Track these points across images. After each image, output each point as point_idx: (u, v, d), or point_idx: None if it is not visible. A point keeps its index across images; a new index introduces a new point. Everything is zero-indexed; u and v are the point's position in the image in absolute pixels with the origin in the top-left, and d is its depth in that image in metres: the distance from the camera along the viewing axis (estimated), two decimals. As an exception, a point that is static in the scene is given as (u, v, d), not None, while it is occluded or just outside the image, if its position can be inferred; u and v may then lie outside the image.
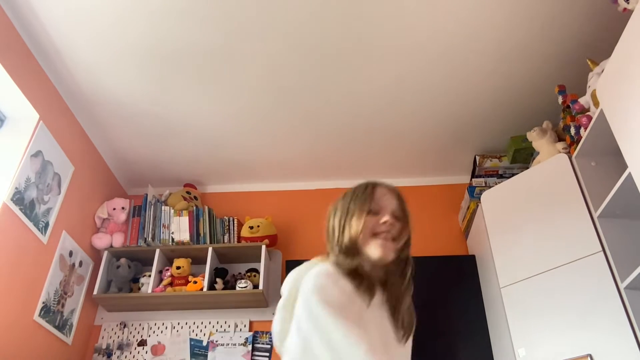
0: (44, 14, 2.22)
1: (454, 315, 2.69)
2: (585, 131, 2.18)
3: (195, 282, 2.72)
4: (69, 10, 2.20)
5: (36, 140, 2.37)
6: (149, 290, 2.72)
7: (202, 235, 2.92)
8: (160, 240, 2.88)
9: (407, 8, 2.20)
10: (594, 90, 2.07)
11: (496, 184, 2.80)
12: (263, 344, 2.76)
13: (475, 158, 3.00)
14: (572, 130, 2.34)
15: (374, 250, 1.25)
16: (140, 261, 2.91)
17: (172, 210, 2.96)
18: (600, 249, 2.04)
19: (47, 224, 2.44)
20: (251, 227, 2.91)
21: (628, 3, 1.89)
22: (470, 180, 3.00)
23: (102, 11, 2.20)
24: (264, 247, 2.84)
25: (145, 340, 2.79)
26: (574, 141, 2.34)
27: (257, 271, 2.89)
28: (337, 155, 3.13)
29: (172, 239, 2.87)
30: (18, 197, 2.24)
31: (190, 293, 2.69)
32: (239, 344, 2.75)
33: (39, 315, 2.36)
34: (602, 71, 2.01)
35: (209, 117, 2.80)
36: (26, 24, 2.26)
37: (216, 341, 2.76)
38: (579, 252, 2.11)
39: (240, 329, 2.79)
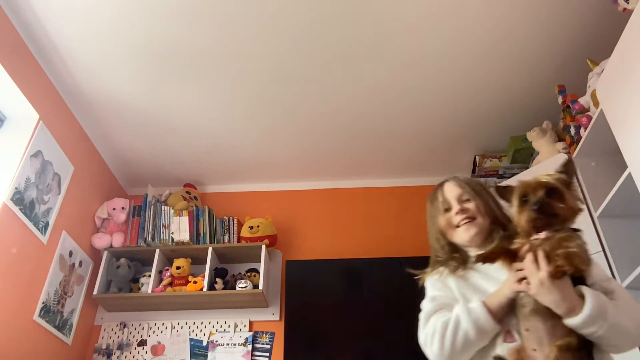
0: (44, 14, 2.21)
1: (454, 315, 2.68)
2: (585, 131, 2.18)
3: (195, 282, 2.72)
4: (69, 11, 2.20)
5: (36, 140, 2.37)
6: (149, 290, 2.72)
7: (202, 235, 2.92)
8: (160, 240, 2.87)
9: (406, 9, 2.21)
10: (594, 90, 2.07)
11: (496, 184, 2.80)
12: (263, 344, 2.76)
13: (475, 158, 3.00)
14: (572, 130, 2.34)
15: (460, 238, 1.32)
16: (140, 261, 2.91)
17: (172, 210, 2.96)
18: (600, 249, 2.04)
19: (47, 224, 2.44)
20: (251, 227, 2.91)
21: (628, 3, 1.89)
22: (470, 180, 2.99)
23: (102, 11, 2.20)
24: (264, 247, 2.84)
25: (145, 340, 2.79)
26: (574, 141, 2.34)
27: (257, 271, 2.89)
28: (337, 155, 3.12)
29: (172, 239, 2.87)
30: (18, 197, 2.24)
31: (190, 293, 2.69)
32: (239, 344, 2.74)
33: (39, 315, 2.36)
34: (602, 71, 2.01)
35: (209, 117, 2.80)
36: (26, 24, 2.25)
37: (216, 341, 2.76)
38: (579, 252, 2.11)
39: (240, 329, 2.79)
